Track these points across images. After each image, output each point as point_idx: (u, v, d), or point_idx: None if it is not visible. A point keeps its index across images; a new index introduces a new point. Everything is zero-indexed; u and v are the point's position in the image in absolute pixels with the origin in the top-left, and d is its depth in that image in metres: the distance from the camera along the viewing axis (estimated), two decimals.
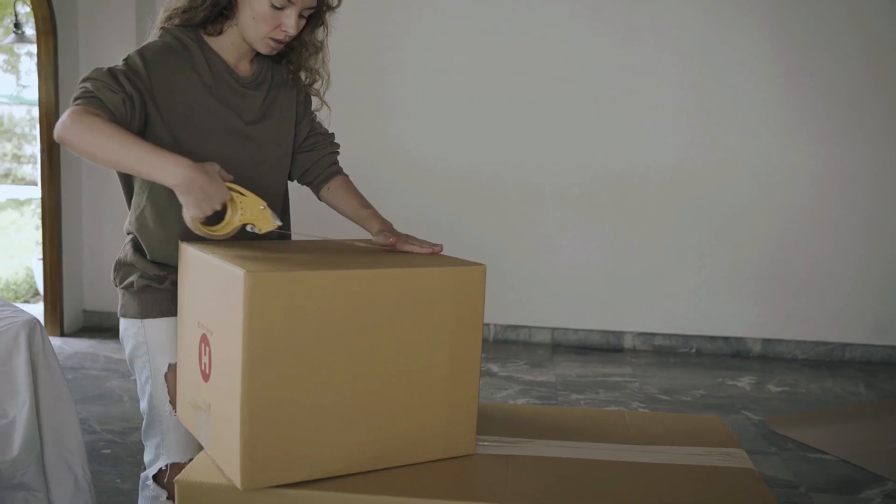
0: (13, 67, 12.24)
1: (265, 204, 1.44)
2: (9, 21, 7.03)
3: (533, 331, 4.59)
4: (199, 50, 1.59)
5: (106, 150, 1.38)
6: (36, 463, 1.90)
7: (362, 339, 1.29)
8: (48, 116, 4.32)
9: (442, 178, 4.50)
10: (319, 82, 1.73)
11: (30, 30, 5.08)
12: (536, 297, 4.57)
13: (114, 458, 2.81)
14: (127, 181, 1.64)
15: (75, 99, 1.44)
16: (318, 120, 1.80)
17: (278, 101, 1.69)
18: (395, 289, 1.31)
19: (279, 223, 1.46)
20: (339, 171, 1.81)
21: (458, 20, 4.42)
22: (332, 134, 1.83)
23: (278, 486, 1.26)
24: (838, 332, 4.40)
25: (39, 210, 4.41)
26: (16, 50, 9.94)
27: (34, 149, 11.51)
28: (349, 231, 1.79)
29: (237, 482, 1.24)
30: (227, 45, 1.61)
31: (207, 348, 1.35)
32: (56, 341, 4.25)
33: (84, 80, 1.47)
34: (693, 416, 1.70)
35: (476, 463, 1.40)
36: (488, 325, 4.57)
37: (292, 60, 1.70)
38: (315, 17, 1.64)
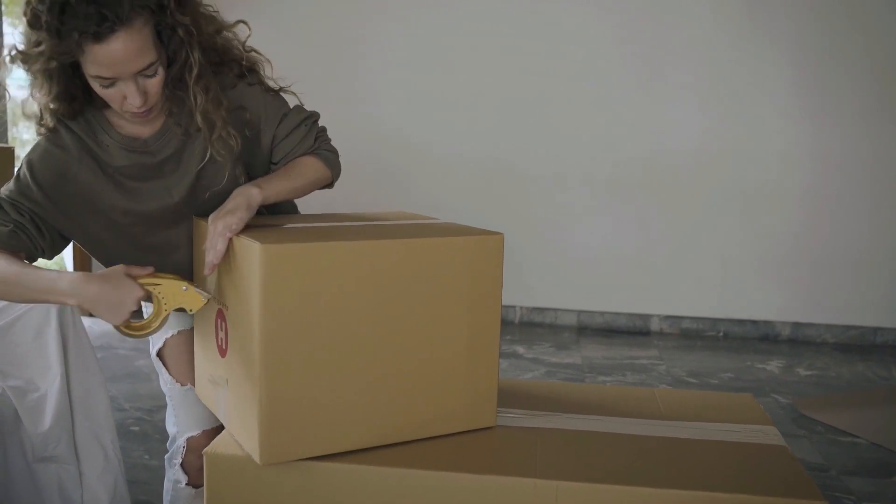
0: None
1: (187, 283, 1.37)
2: None
3: (559, 313, 4.57)
4: (93, 136, 1.42)
5: (9, 293, 1.35)
6: (67, 436, 1.92)
7: (379, 311, 1.27)
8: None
9: (470, 163, 4.47)
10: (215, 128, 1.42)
11: None
12: (562, 280, 4.54)
13: (142, 435, 2.84)
14: None
15: None
16: (286, 118, 1.53)
17: (192, 145, 1.46)
18: (410, 259, 1.29)
19: (207, 296, 1.38)
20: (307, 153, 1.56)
21: (482, 8, 4.38)
22: (303, 125, 1.54)
23: (310, 459, 1.26)
24: (870, 316, 4.33)
25: None
26: None
27: None
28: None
29: (256, 457, 1.24)
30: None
31: (223, 324, 1.35)
32: (85, 321, 4.27)
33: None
34: (724, 394, 1.68)
35: (501, 435, 1.39)
36: (514, 307, 4.56)
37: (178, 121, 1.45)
38: (178, 62, 1.37)
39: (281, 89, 1.56)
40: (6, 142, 3.77)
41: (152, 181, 1.45)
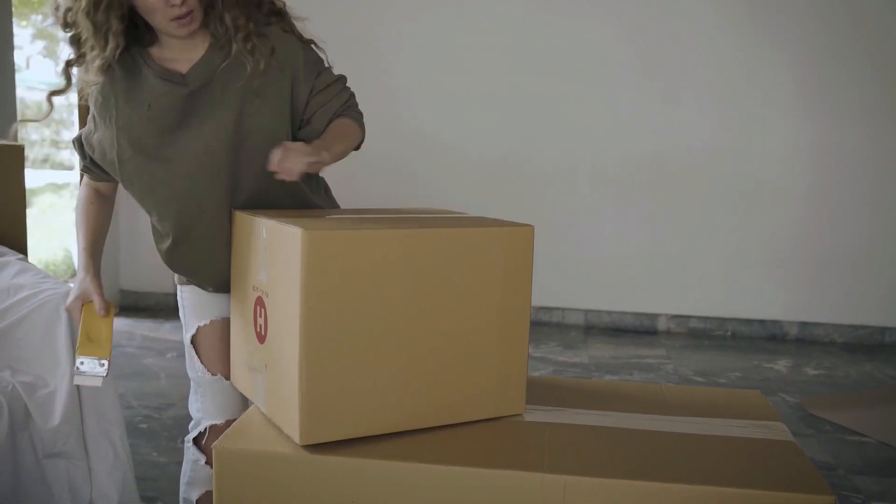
0: (52, 54, 12.41)
1: (79, 351, 1.52)
2: (48, 8, 7.09)
3: (566, 312, 4.57)
4: (135, 71, 1.46)
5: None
6: (76, 432, 1.93)
7: (414, 298, 1.31)
8: (85, 100, 4.35)
9: (479, 161, 4.48)
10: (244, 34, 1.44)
11: None
12: (570, 279, 4.54)
13: (150, 432, 2.85)
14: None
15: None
16: (322, 77, 1.53)
17: (232, 76, 1.46)
18: (444, 248, 1.33)
19: (75, 379, 1.54)
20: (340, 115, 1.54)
21: (494, 8, 4.39)
22: (339, 82, 1.55)
23: (317, 453, 1.26)
24: (878, 316, 4.32)
25: (76, 192, 4.47)
26: (53, 30, 10.01)
27: (72, 134, 11.66)
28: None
29: (296, 437, 1.27)
30: (167, 48, 1.47)
31: (263, 310, 1.38)
32: None
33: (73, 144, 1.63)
34: (732, 391, 1.68)
35: (509, 429, 1.39)
36: None
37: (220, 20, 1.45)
38: None
39: (312, 42, 1.56)
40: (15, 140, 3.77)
41: (189, 116, 1.46)
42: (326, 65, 1.57)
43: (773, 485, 1.21)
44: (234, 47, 1.42)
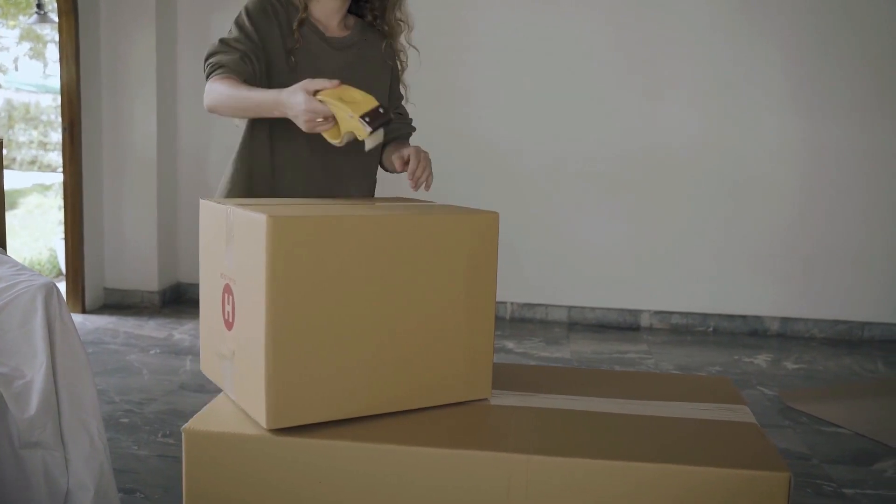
0: (39, 55, 12.37)
1: (353, 112, 1.46)
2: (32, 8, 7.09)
3: (550, 309, 4.59)
4: (289, 11, 1.76)
5: (235, 106, 1.65)
6: (53, 422, 1.93)
7: (380, 283, 1.33)
8: (69, 95, 4.36)
9: (462, 155, 4.49)
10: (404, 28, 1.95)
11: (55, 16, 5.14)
12: (554, 276, 4.57)
13: (131, 426, 2.85)
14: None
15: (207, 76, 1.70)
16: (404, 103, 2.04)
17: (366, 67, 1.86)
18: (409, 235, 1.36)
19: (369, 130, 1.46)
20: (404, 138, 1.98)
21: (484, 6, 4.42)
22: (411, 119, 2.04)
23: (285, 435, 1.28)
24: (858, 311, 4.36)
25: (62, 191, 4.47)
26: (38, 31, 10.00)
27: (58, 136, 11.65)
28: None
29: (263, 422, 1.29)
30: (319, 4, 1.80)
31: (231, 298, 1.40)
32: (77, 318, 4.31)
33: (207, 57, 1.71)
34: (702, 377, 1.70)
35: (485, 413, 1.42)
36: (505, 303, 4.58)
37: (374, 5, 1.87)
38: None
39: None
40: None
41: (310, 61, 1.77)
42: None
43: (732, 462, 1.24)
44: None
